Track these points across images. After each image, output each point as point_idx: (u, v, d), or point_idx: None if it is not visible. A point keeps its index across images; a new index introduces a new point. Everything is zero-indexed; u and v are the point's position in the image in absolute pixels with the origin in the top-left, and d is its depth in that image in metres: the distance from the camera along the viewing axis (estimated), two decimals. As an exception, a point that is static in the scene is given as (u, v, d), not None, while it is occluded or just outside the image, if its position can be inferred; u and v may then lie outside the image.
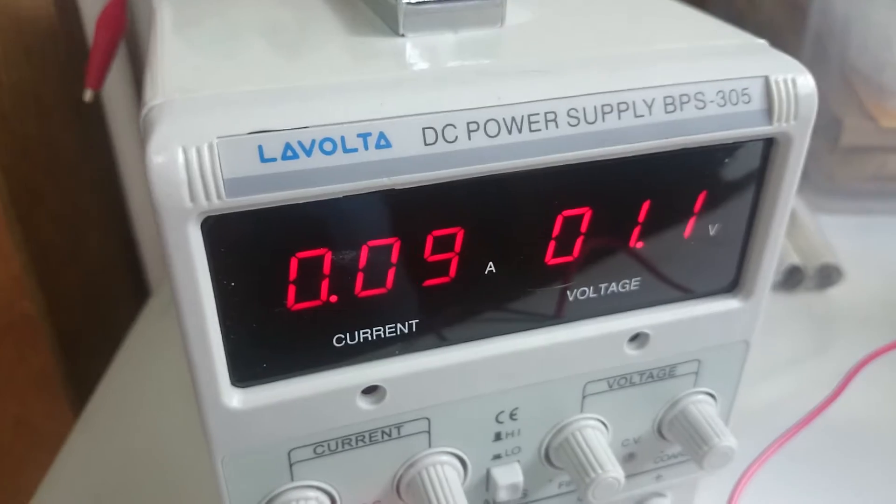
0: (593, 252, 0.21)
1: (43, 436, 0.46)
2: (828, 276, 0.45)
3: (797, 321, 0.43)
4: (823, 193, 0.54)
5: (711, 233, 0.22)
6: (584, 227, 0.20)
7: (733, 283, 0.23)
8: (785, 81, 0.20)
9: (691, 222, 0.21)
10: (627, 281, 0.22)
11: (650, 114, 0.19)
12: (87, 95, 0.36)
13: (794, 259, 0.45)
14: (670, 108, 0.19)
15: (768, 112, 0.20)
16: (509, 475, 0.23)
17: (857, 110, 0.53)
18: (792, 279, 0.45)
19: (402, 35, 0.21)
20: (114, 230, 0.54)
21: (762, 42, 0.21)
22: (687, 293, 0.22)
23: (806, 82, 0.20)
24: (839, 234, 0.51)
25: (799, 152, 0.20)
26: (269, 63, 0.20)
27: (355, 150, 0.17)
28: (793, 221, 0.49)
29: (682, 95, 0.19)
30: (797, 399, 0.36)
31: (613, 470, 0.22)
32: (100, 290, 0.52)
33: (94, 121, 0.50)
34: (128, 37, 0.48)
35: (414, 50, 0.20)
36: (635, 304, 0.22)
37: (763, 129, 0.20)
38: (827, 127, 0.54)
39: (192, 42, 0.21)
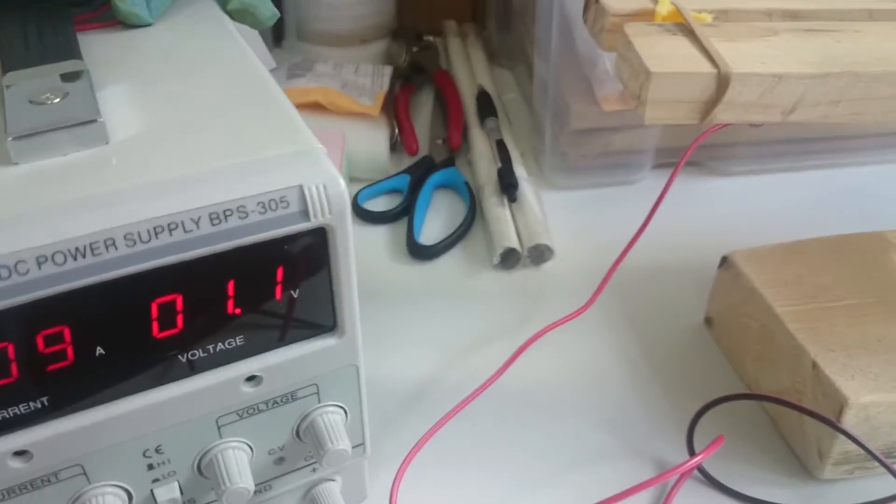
0: (196, 323, 0.26)
1: None
2: (540, 254, 0.53)
3: (510, 298, 0.51)
4: (558, 171, 0.62)
5: (296, 295, 0.27)
6: (179, 307, 0.26)
7: (333, 325, 0.29)
8: (318, 187, 0.25)
9: (279, 289, 0.27)
10: (233, 339, 0.27)
11: (198, 228, 0.24)
12: None
13: (511, 242, 0.52)
14: (216, 221, 0.24)
15: (306, 212, 0.25)
16: (167, 493, 0.29)
17: (584, 96, 0.60)
18: (509, 260, 0.52)
19: (16, 164, 0.25)
20: None
21: (318, 147, 0.27)
22: (292, 338, 0.29)
23: (336, 185, 0.26)
24: (567, 209, 0.59)
25: (344, 234, 0.26)
26: None
27: (-66, 294, 0.21)
28: (518, 206, 0.56)
29: (225, 211, 0.24)
30: (486, 374, 0.43)
31: (241, 482, 0.28)
32: None
33: None
34: None
35: (17, 182, 0.24)
36: (248, 353, 0.28)
37: (304, 225, 0.25)
38: (559, 112, 0.61)
39: None
